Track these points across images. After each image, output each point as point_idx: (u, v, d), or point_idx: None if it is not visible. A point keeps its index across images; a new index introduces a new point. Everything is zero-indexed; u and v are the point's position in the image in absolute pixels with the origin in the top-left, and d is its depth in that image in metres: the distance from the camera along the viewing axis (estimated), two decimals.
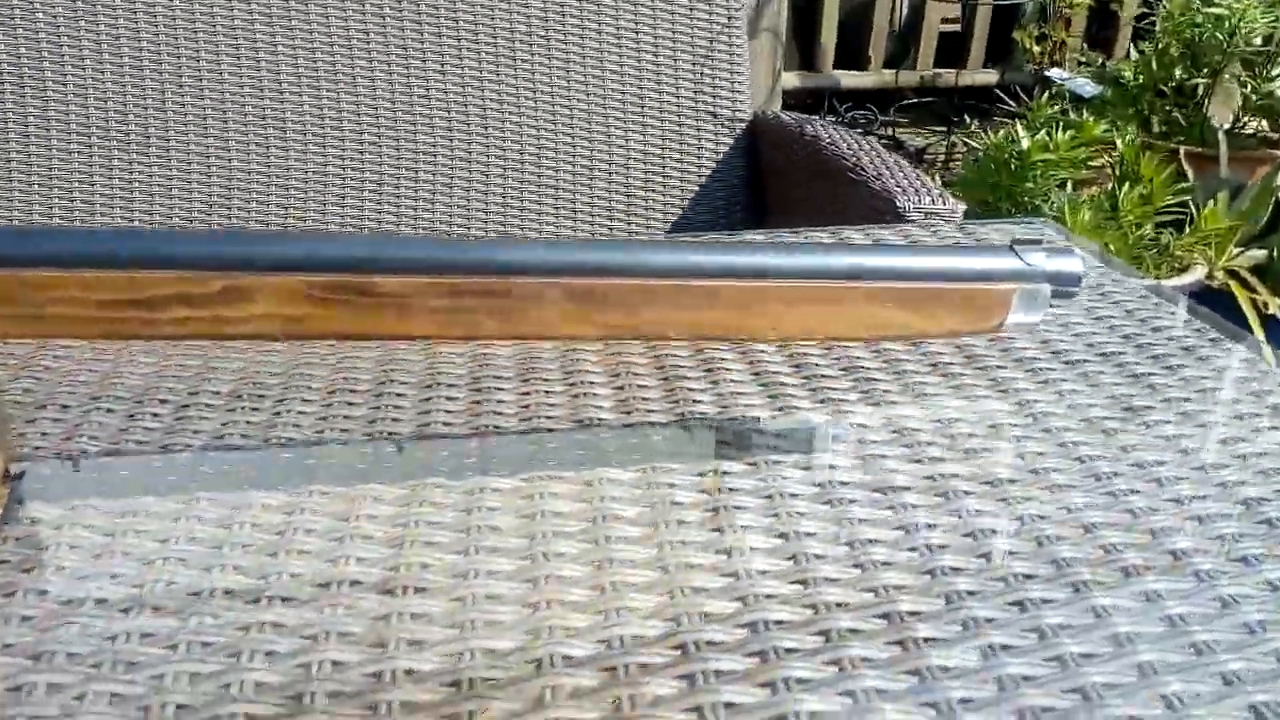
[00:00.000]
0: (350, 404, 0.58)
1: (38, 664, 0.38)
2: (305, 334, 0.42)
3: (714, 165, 1.42)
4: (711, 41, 1.41)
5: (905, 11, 2.20)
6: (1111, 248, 1.52)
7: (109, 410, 0.58)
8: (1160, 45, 1.91)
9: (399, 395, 0.58)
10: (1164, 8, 1.97)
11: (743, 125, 1.43)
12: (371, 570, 0.43)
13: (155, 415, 0.57)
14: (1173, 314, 0.66)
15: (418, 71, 1.34)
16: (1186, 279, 1.74)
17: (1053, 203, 1.46)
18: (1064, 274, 0.43)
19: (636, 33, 1.38)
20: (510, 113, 1.36)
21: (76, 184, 1.30)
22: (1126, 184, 1.60)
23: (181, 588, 0.42)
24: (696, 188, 1.42)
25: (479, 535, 0.45)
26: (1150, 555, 0.43)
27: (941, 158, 2.09)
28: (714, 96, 1.42)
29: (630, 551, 0.44)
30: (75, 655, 0.38)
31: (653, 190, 1.40)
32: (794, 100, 2.08)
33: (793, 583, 0.42)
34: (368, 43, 1.34)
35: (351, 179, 1.35)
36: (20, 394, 0.60)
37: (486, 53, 1.35)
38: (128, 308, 0.41)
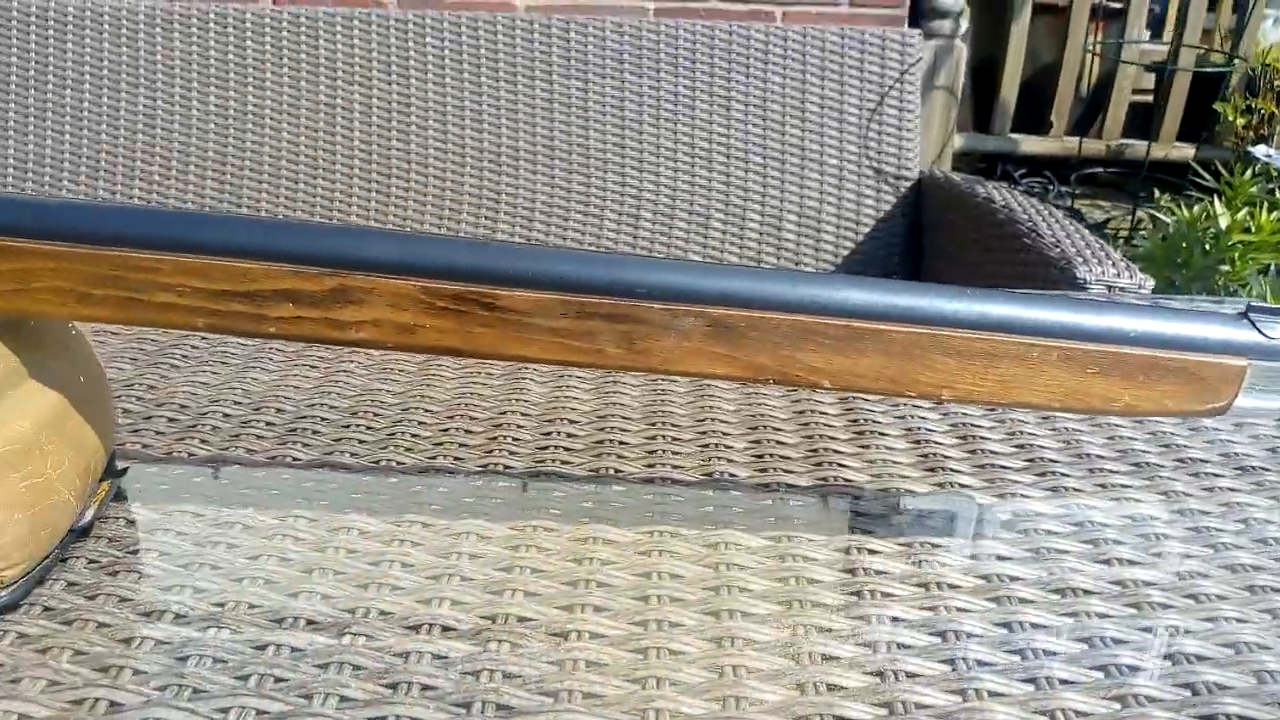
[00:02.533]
0: (468, 431, 0.55)
1: (104, 676, 0.36)
2: (415, 346, 0.39)
3: (873, 221, 1.37)
4: (882, 97, 1.36)
5: (1094, 77, 2.10)
6: None
7: (224, 415, 0.57)
8: None
9: (518, 427, 0.56)
10: None
11: (908, 183, 1.37)
12: (463, 616, 0.40)
13: (269, 425, 0.56)
14: None
15: (595, 105, 1.34)
16: None
17: (1250, 288, 1.35)
18: None
19: (803, 82, 1.35)
20: (666, 151, 1.34)
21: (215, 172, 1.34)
22: None
23: (262, 612, 0.40)
24: (851, 244, 1.37)
25: (586, 591, 0.41)
26: None
27: (1124, 232, 1.97)
28: (879, 152, 1.37)
29: (755, 631, 0.39)
30: (142, 674, 0.36)
31: (804, 241, 1.36)
32: (964, 163, 2.01)
33: (949, 692, 0.36)
34: (550, 79, 1.35)
35: (512, 200, 1.35)
36: (144, 390, 0.60)
37: (649, 92, 1.34)
38: (235, 300, 0.40)
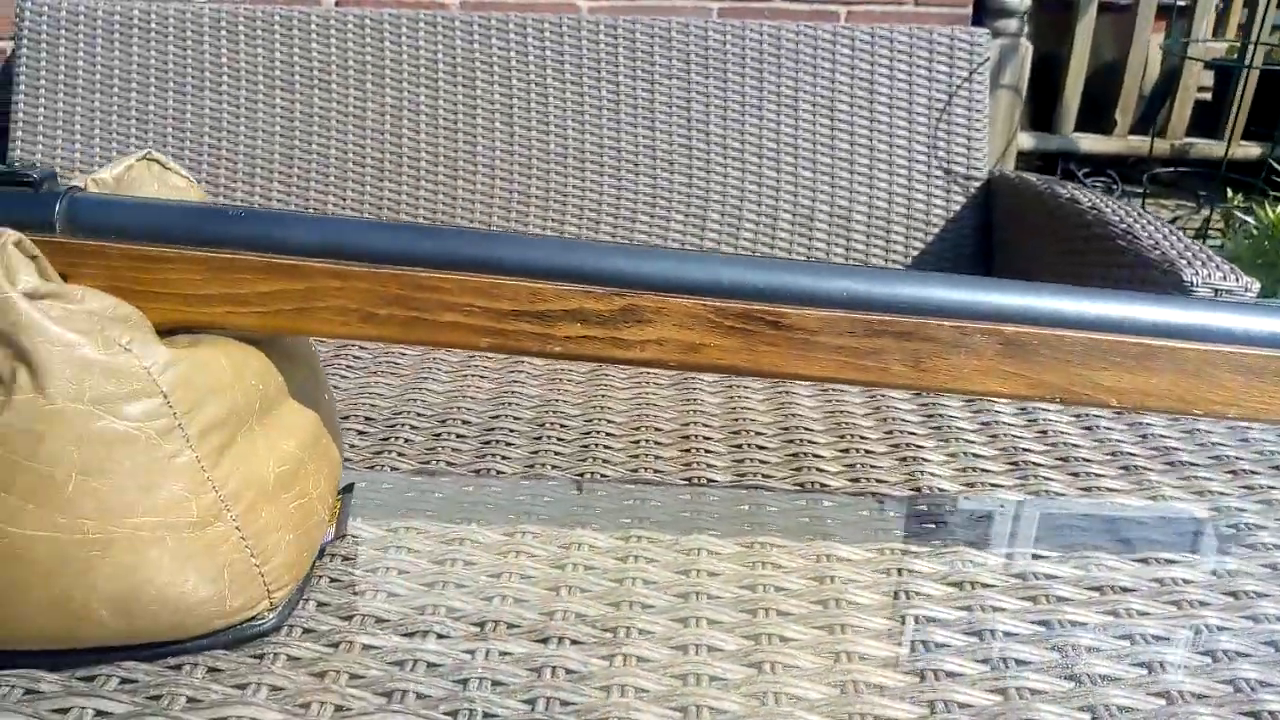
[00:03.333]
0: (659, 444, 0.56)
1: (390, 701, 0.37)
2: (696, 365, 0.40)
3: (942, 222, 1.37)
4: (950, 96, 1.36)
5: (1158, 74, 2.08)
6: None
7: (412, 428, 0.58)
8: None
9: (706, 439, 0.56)
10: None
11: (977, 183, 1.37)
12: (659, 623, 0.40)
13: (460, 437, 0.57)
14: None
15: (662, 106, 1.35)
16: None
17: None
18: None
19: (871, 82, 1.35)
20: (734, 152, 1.34)
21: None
22: None
23: (524, 631, 0.41)
24: (921, 244, 1.37)
25: (630, 588, 0.42)
26: None
27: (1191, 233, 1.96)
28: (949, 152, 1.37)
29: (793, 630, 0.39)
30: (427, 698, 0.37)
31: (874, 241, 1.36)
32: (1023, 162, 2.00)
33: (990, 690, 0.37)
34: (649, 83, 1.36)
35: (579, 202, 1.36)
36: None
37: (715, 92, 1.35)
38: (524, 320, 0.40)
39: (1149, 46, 2.02)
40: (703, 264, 0.40)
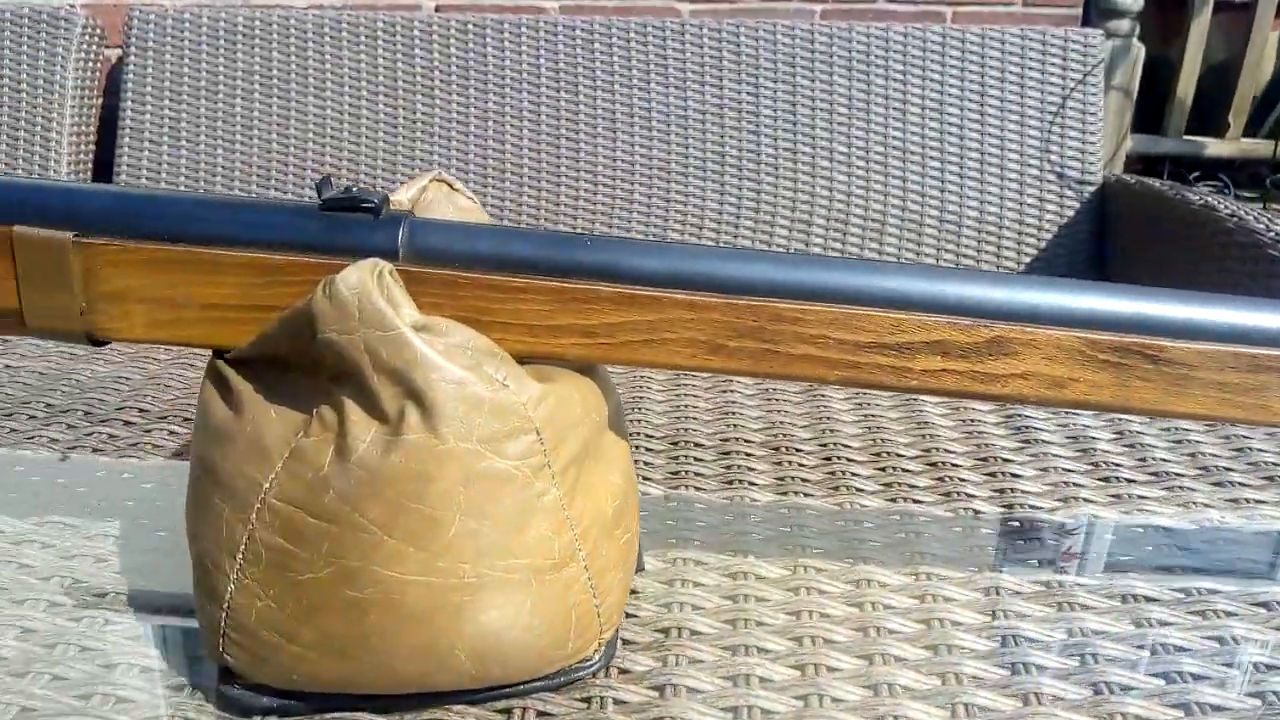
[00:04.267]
0: (702, 458, 0.56)
1: None
2: (1060, 401, 0.39)
3: (1055, 227, 1.35)
4: (1064, 99, 1.34)
5: (1269, 75, 2.03)
6: None
7: (700, 446, 0.58)
8: None
9: (798, 450, 0.56)
10: None
11: (1092, 187, 1.35)
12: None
13: (698, 459, 0.57)
14: None
15: (767, 109, 1.34)
16: None
17: None
18: None
19: (982, 84, 1.34)
20: (840, 156, 1.34)
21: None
22: None
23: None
24: (1033, 250, 1.34)
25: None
26: None
27: None
28: (1062, 156, 1.35)
29: (905, 650, 0.39)
30: None
31: (985, 247, 1.34)
32: (1128, 166, 1.96)
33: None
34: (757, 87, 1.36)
35: (681, 208, 1.36)
36: None
37: (821, 95, 1.34)
38: (881, 353, 0.39)
39: (1266, 46, 1.97)
40: (1074, 292, 0.38)
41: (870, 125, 1.34)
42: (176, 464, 0.69)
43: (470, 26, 1.39)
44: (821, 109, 1.34)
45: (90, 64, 1.44)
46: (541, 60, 1.37)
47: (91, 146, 1.45)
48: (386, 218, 0.43)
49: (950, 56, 1.34)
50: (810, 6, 1.46)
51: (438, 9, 1.51)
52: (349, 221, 0.43)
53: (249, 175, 1.41)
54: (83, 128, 1.44)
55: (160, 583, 0.54)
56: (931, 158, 1.34)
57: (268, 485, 0.40)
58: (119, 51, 1.49)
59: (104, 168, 1.45)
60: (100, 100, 1.47)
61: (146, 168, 1.42)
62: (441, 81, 1.38)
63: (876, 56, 1.35)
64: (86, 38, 1.43)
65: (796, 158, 1.34)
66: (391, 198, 0.46)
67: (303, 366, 0.42)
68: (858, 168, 1.34)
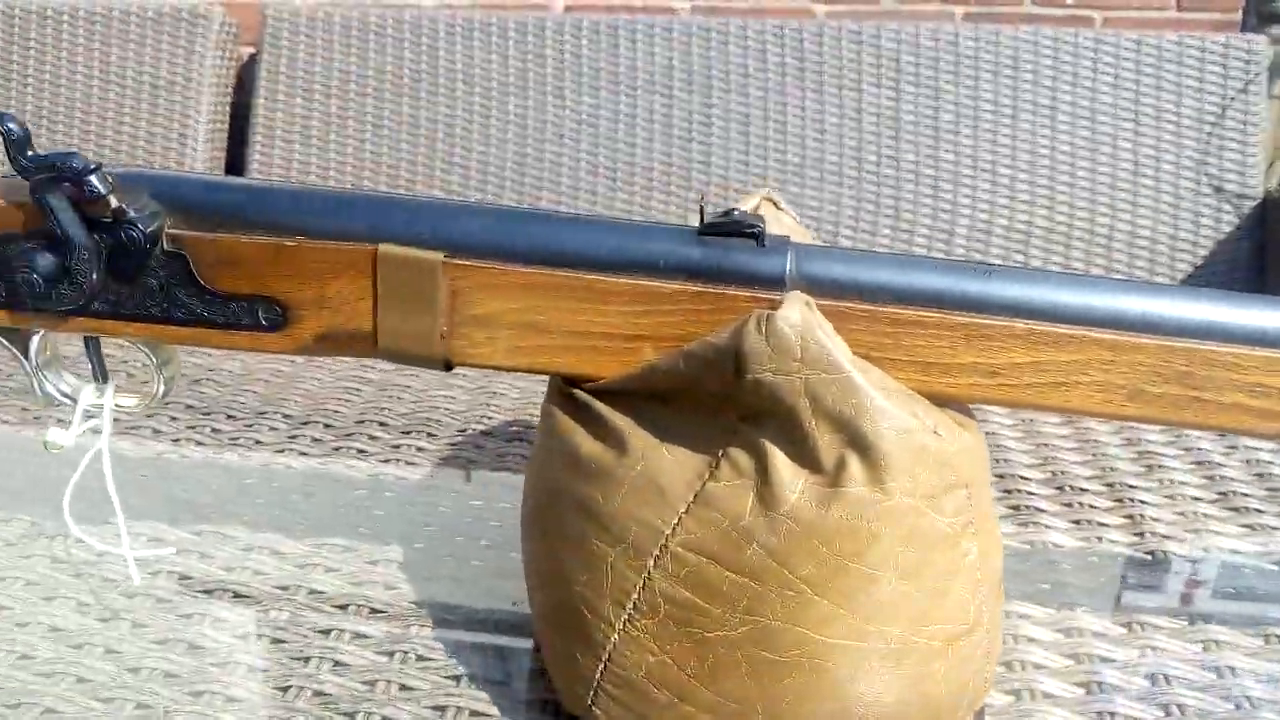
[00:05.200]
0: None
1: None
2: None
3: (1211, 243, 1.30)
4: (1223, 108, 1.29)
5: None
6: None
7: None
8: None
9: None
10: None
11: (1252, 203, 1.29)
12: None
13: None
14: None
15: (908, 114, 1.32)
16: None
17: None
18: None
19: (1136, 92, 1.30)
20: (984, 164, 1.31)
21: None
22: None
23: None
24: (1188, 266, 1.30)
25: None
26: None
27: None
28: (1219, 168, 1.30)
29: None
30: None
31: (1136, 263, 1.30)
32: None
33: None
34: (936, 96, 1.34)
35: (816, 213, 1.34)
36: None
37: (965, 101, 1.31)
38: None
39: None
40: None
41: (1017, 132, 1.31)
42: (436, 475, 0.70)
43: (602, 27, 1.39)
44: (965, 114, 1.31)
45: (225, 61, 1.47)
46: (674, 61, 1.37)
47: (224, 142, 1.48)
48: (772, 244, 0.41)
49: (1102, 63, 1.30)
50: (951, 9, 1.43)
51: (567, 9, 1.51)
52: (733, 247, 0.41)
53: (377, 175, 1.43)
54: (217, 124, 1.47)
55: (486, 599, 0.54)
56: (1081, 168, 1.30)
57: (669, 532, 0.39)
58: (250, 49, 1.53)
59: (234, 164, 1.48)
60: (231, 97, 1.50)
61: (277, 165, 1.45)
62: (572, 82, 1.39)
63: (1025, 61, 1.31)
64: (223, 35, 1.46)
65: (938, 164, 1.31)
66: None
67: (698, 403, 0.40)
68: (1003, 176, 1.30)
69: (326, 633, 0.52)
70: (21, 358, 0.52)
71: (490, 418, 0.79)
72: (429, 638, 0.50)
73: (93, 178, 0.45)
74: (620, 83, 1.38)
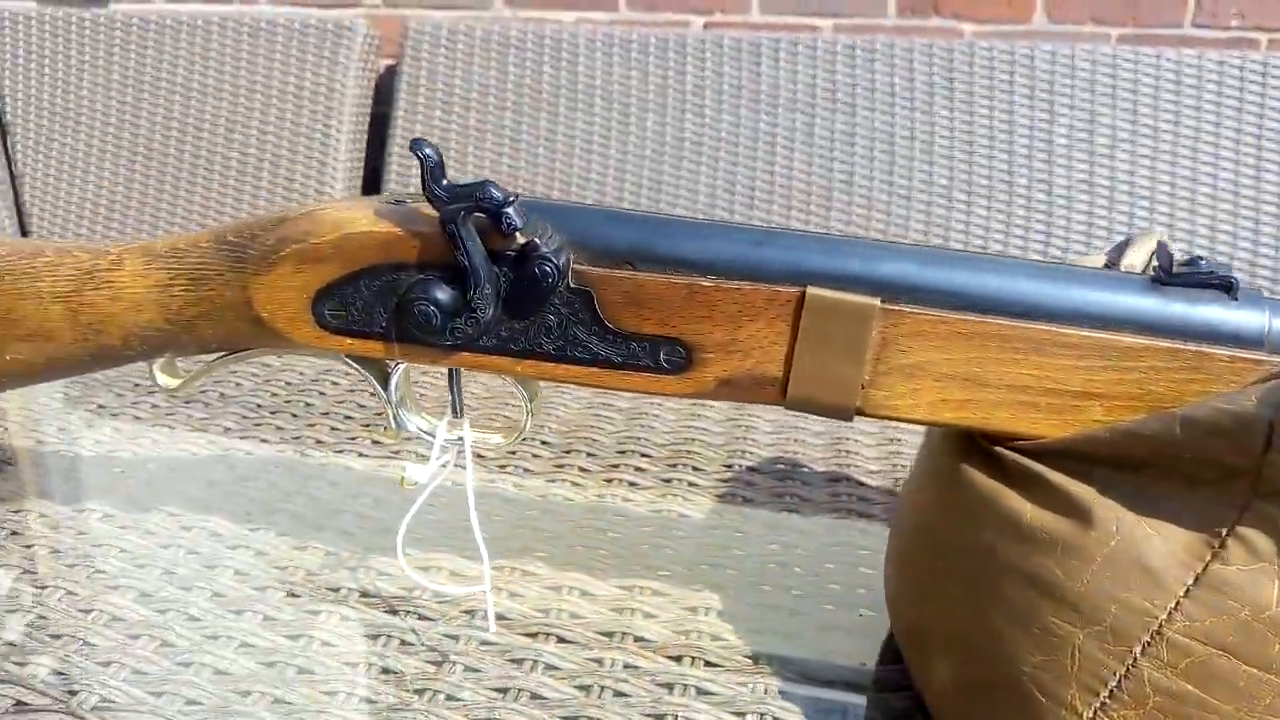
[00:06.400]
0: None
1: None
2: None
3: None
4: None
5: None
6: None
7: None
8: None
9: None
10: None
11: None
12: None
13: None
14: None
15: (1061, 135, 1.30)
16: None
17: None
18: None
19: (1239, 106, 1.25)
20: (1141, 189, 1.28)
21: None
22: None
23: None
24: None
25: None
26: None
27: None
28: None
29: None
30: None
31: None
32: None
33: None
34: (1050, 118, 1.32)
35: (963, 236, 1.32)
36: None
37: (1123, 124, 1.28)
38: None
39: None
40: None
41: (1177, 158, 1.28)
42: (719, 514, 0.69)
43: (744, 44, 1.40)
44: (1123, 139, 1.29)
45: (367, 73, 1.51)
46: (817, 80, 1.37)
47: (363, 153, 1.52)
48: (1244, 297, 0.39)
49: (1271, 86, 1.27)
50: (1107, 30, 1.41)
51: (706, 26, 1.52)
52: (1200, 299, 0.39)
53: (514, 188, 1.45)
54: (358, 136, 1.51)
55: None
56: (1245, 198, 1.26)
57: (1163, 617, 0.36)
58: (389, 61, 1.57)
59: (373, 176, 1.52)
60: (370, 109, 1.54)
61: (415, 178, 1.48)
62: (712, 100, 1.39)
63: (1187, 86, 1.28)
64: (366, 47, 1.50)
65: (1093, 189, 1.29)
66: (1120, 262, 0.43)
67: (1189, 474, 0.37)
68: (1161, 204, 1.28)
69: (669, 687, 0.50)
70: (380, 389, 0.51)
71: (750, 452, 0.78)
72: (775, 692, 0.49)
73: (510, 210, 0.44)
74: (761, 100, 1.38)
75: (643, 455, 0.76)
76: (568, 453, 0.77)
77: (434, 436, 0.51)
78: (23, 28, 1.59)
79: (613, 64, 1.43)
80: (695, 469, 0.74)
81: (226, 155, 1.52)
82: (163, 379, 0.55)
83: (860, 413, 0.43)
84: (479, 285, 0.44)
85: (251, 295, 0.48)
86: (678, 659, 0.52)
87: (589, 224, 0.46)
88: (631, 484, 0.72)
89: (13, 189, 1.60)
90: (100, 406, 0.83)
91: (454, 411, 0.52)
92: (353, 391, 0.88)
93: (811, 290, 0.42)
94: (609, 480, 0.73)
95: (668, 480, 0.73)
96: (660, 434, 0.80)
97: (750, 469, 0.75)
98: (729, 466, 0.75)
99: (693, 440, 0.79)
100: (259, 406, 0.85)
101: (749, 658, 0.52)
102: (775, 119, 1.38)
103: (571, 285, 0.45)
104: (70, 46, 1.58)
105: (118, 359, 0.54)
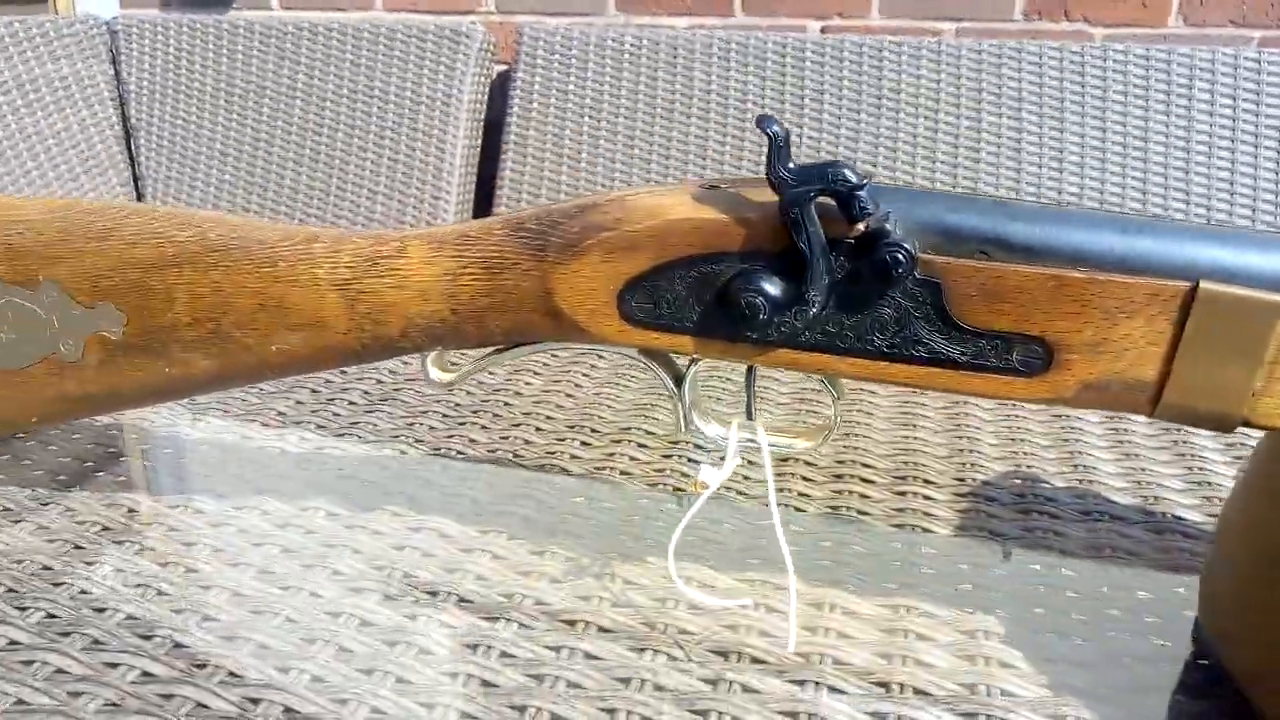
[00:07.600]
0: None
1: None
2: None
3: None
4: None
5: None
6: None
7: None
8: None
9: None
10: None
11: None
12: None
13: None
14: None
15: (1200, 139, 1.27)
16: None
17: None
18: None
19: None
20: (1265, 191, 1.24)
21: None
22: None
23: None
24: None
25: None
26: None
27: None
28: None
29: None
30: None
31: None
32: None
33: None
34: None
35: None
36: None
37: (1268, 131, 1.25)
38: None
39: None
40: None
41: (1239, 166, 1.24)
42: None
43: (865, 48, 1.39)
44: (1267, 147, 1.25)
45: (483, 79, 1.54)
46: (942, 83, 1.35)
47: (477, 158, 1.55)
48: None
49: None
50: (1247, 33, 1.37)
51: (824, 30, 1.52)
52: None
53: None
54: (473, 141, 1.53)
55: None
56: None
57: None
58: (502, 66, 1.59)
59: (486, 180, 1.54)
60: (484, 115, 1.57)
61: (528, 184, 1.50)
62: (831, 104, 1.39)
63: (1221, 84, 1.24)
64: (482, 53, 1.53)
65: (1234, 198, 1.25)
66: None
67: None
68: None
69: (794, 716, 0.48)
70: (674, 388, 0.49)
71: (979, 465, 0.73)
72: None
73: (863, 193, 0.41)
74: (882, 104, 1.37)
75: (647, 433, 0.76)
76: (840, 462, 0.73)
77: (727, 439, 0.48)
78: (148, 33, 1.65)
79: (729, 69, 1.43)
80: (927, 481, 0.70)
81: (345, 160, 1.56)
82: (435, 373, 0.53)
83: (1246, 423, 0.40)
84: (816, 276, 0.42)
85: (553, 286, 0.45)
86: (970, 688, 0.48)
87: (933, 209, 0.42)
88: (863, 495, 0.67)
89: (135, 191, 1.65)
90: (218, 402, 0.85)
91: (748, 414, 0.49)
92: (468, 391, 0.89)
93: (1205, 285, 0.38)
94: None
95: (660, 470, 0.72)
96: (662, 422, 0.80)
97: (985, 483, 0.69)
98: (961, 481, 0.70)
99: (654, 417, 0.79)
100: (352, 404, 0.86)
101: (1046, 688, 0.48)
102: (897, 122, 1.37)
103: (918, 276, 0.42)
104: (193, 51, 1.64)
105: (391, 351, 0.52)
